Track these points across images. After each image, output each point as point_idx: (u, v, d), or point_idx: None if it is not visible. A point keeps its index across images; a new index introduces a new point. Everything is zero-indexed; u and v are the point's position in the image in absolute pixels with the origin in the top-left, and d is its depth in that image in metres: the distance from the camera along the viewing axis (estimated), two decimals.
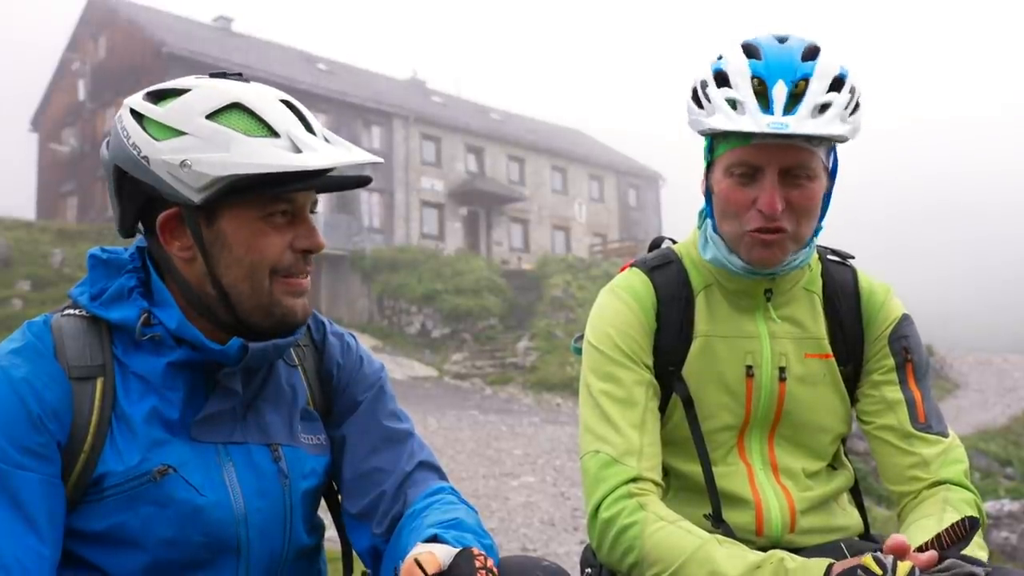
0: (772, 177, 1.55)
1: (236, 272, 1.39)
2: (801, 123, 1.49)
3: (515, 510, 7.99)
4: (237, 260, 1.39)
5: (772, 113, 1.50)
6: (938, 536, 1.30)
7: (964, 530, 1.29)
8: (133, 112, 1.39)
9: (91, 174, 32.34)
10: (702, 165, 1.72)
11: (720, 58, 1.62)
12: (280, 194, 1.38)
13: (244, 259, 1.38)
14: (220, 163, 1.31)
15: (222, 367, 1.41)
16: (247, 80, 1.44)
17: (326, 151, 1.37)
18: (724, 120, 1.53)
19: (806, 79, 1.53)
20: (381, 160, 1.49)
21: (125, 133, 1.37)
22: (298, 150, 1.34)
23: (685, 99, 1.68)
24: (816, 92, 1.52)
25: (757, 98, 1.53)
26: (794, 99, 1.52)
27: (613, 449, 1.60)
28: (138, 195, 1.40)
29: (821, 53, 1.57)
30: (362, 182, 1.51)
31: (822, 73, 1.54)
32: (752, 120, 1.50)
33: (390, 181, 32.87)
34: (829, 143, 1.60)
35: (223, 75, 1.43)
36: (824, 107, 1.52)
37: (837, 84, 1.54)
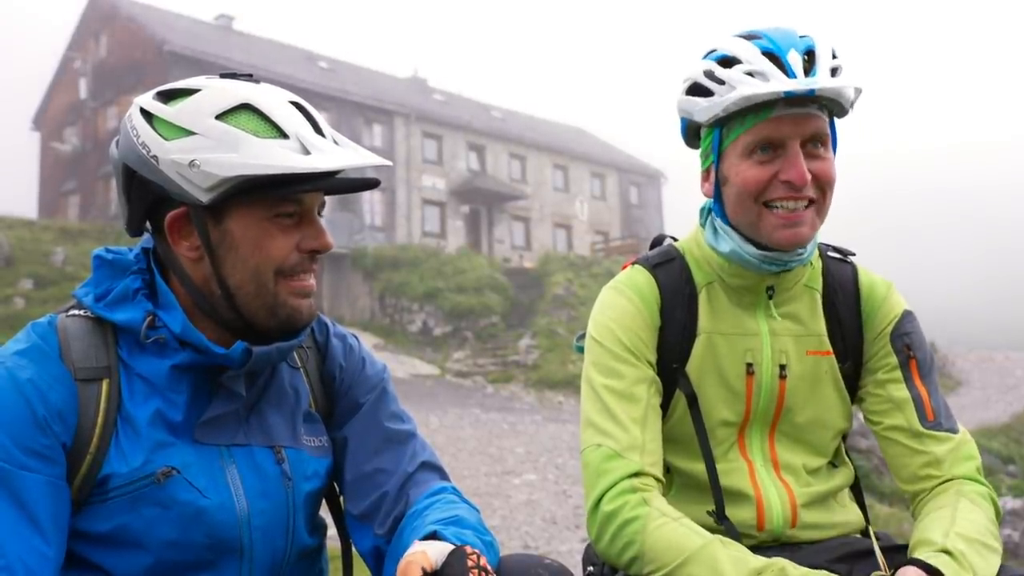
0: (795, 149, 1.57)
1: (242, 273, 1.39)
2: (827, 81, 1.53)
3: (517, 508, 8.00)
4: (243, 260, 1.39)
5: (795, 77, 1.53)
6: None
7: None
8: (143, 111, 1.39)
9: (93, 173, 32.38)
10: (699, 167, 1.72)
11: (714, 51, 1.64)
12: (288, 195, 1.38)
13: (250, 260, 1.39)
14: (229, 164, 1.32)
15: (226, 370, 1.41)
16: (257, 81, 1.44)
17: (334, 153, 1.37)
18: (752, 88, 1.54)
19: (812, 50, 1.58)
20: (390, 163, 1.49)
21: (135, 132, 1.38)
22: (307, 151, 1.34)
23: (679, 100, 1.69)
24: (825, 57, 1.57)
25: (776, 68, 1.56)
26: (807, 68, 1.56)
27: (616, 443, 1.60)
28: (147, 194, 1.40)
29: None
30: (369, 184, 1.51)
31: (822, 44, 1.59)
32: (781, 83, 1.52)
33: (391, 179, 32.88)
34: (831, 115, 1.63)
35: (233, 75, 1.44)
36: (835, 70, 1.57)
37: (833, 54, 1.60)
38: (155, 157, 1.35)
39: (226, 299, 1.41)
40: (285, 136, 1.35)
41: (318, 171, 1.34)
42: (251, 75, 1.46)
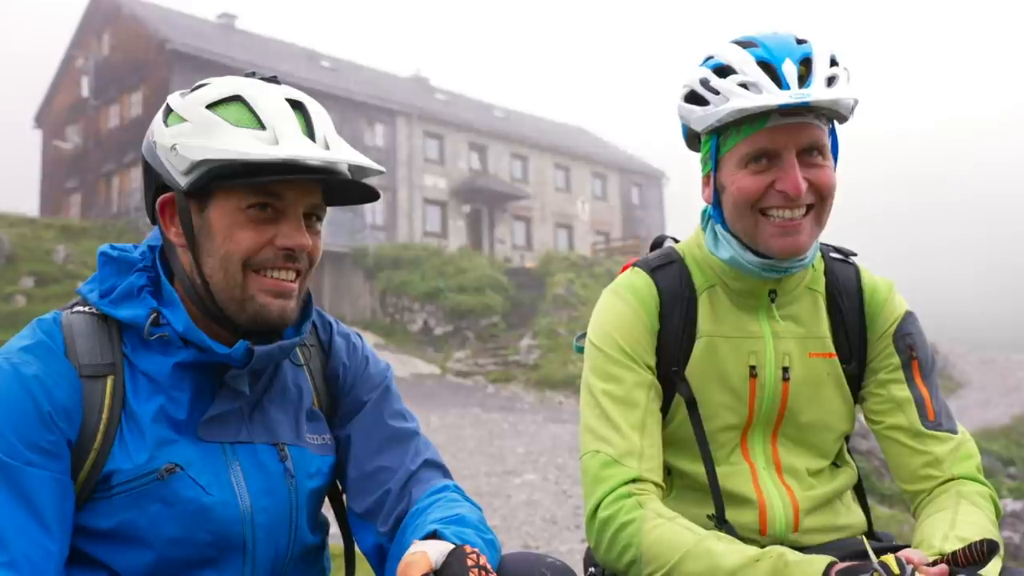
0: (791, 159, 1.56)
1: (213, 261, 1.40)
2: (820, 92, 1.52)
3: (517, 508, 8.00)
4: (215, 249, 1.40)
5: (789, 88, 1.52)
6: (953, 553, 1.28)
7: (982, 554, 1.25)
8: (167, 104, 1.44)
9: (94, 171, 32.39)
10: (700, 173, 1.72)
11: (710, 58, 1.64)
12: (254, 184, 1.37)
13: (220, 248, 1.39)
14: (198, 148, 1.34)
15: (229, 368, 1.42)
16: (279, 83, 1.46)
17: (298, 146, 1.36)
18: (744, 100, 1.53)
19: (808, 58, 1.57)
20: (377, 166, 1.45)
21: (154, 122, 1.43)
22: (276, 143, 1.35)
23: (678, 105, 1.69)
24: (822, 67, 1.56)
25: (769, 79, 1.55)
26: (803, 78, 1.55)
27: (614, 449, 1.60)
28: (150, 181, 1.44)
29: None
30: (366, 197, 1.49)
31: (820, 52, 1.58)
32: (773, 95, 1.52)
33: (393, 179, 32.86)
34: (831, 123, 1.62)
35: (252, 75, 1.47)
36: (832, 79, 1.55)
37: (833, 62, 1.59)
38: (155, 143, 1.40)
39: (204, 288, 1.41)
40: (263, 128, 1.36)
41: (272, 160, 1.33)
42: (275, 77, 1.48)
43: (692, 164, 1.76)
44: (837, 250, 1.82)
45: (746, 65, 1.56)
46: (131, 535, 1.35)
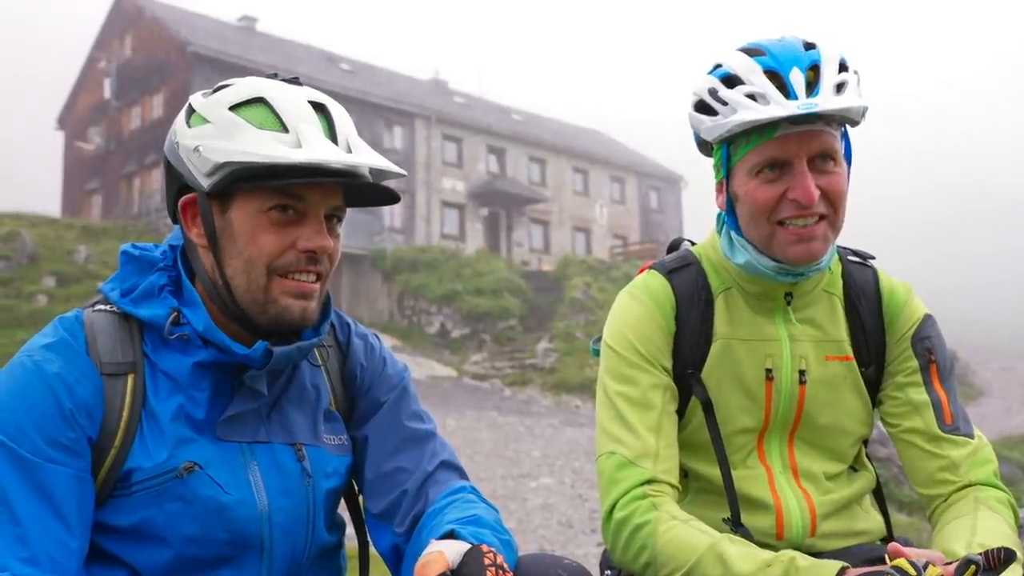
0: (802, 167, 1.55)
1: (236, 264, 1.41)
2: (828, 101, 1.50)
3: (533, 511, 8.00)
4: (239, 252, 1.40)
5: (796, 98, 1.51)
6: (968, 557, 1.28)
7: (998, 560, 1.24)
8: (190, 104, 1.44)
9: (116, 172, 32.67)
10: (713, 180, 1.72)
11: (719, 66, 1.63)
12: (277, 187, 1.37)
13: (244, 252, 1.40)
14: (222, 150, 1.35)
15: (247, 368, 1.42)
16: (301, 84, 1.47)
17: (321, 149, 1.36)
18: (751, 113, 1.52)
19: (817, 65, 1.56)
20: (398, 169, 1.45)
21: (176, 122, 1.44)
22: (300, 146, 1.35)
23: (689, 113, 1.68)
24: (830, 74, 1.54)
25: (776, 89, 1.54)
26: (811, 85, 1.54)
27: (629, 451, 1.60)
28: (172, 181, 1.45)
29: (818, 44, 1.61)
30: (387, 199, 1.49)
31: (829, 58, 1.56)
32: (780, 107, 1.51)
33: (411, 181, 32.94)
34: (843, 127, 1.61)
35: (274, 76, 1.48)
36: (840, 86, 1.54)
37: (843, 67, 1.57)
38: (177, 143, 1.41)
39: (226, 289, 1.42)
40: (285, 130, 1.37)
41: (296, 164, 1.33)
42: (297, 78, 1.49)
43: (710, 168, 1.76)
44: (855, 253, 1.81)
45: (753, 75, 1.55)
46: (150, 533, 1.36)
